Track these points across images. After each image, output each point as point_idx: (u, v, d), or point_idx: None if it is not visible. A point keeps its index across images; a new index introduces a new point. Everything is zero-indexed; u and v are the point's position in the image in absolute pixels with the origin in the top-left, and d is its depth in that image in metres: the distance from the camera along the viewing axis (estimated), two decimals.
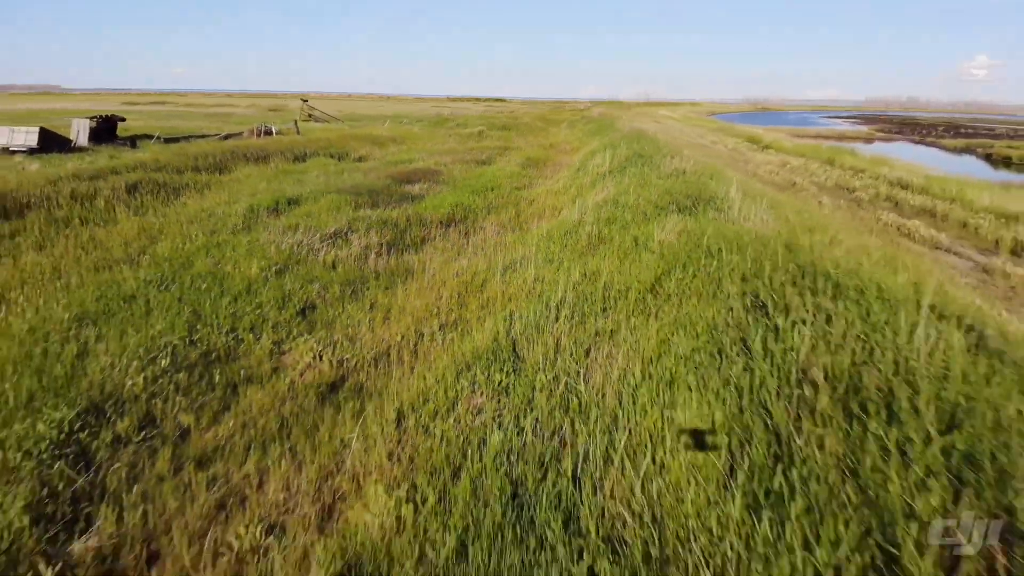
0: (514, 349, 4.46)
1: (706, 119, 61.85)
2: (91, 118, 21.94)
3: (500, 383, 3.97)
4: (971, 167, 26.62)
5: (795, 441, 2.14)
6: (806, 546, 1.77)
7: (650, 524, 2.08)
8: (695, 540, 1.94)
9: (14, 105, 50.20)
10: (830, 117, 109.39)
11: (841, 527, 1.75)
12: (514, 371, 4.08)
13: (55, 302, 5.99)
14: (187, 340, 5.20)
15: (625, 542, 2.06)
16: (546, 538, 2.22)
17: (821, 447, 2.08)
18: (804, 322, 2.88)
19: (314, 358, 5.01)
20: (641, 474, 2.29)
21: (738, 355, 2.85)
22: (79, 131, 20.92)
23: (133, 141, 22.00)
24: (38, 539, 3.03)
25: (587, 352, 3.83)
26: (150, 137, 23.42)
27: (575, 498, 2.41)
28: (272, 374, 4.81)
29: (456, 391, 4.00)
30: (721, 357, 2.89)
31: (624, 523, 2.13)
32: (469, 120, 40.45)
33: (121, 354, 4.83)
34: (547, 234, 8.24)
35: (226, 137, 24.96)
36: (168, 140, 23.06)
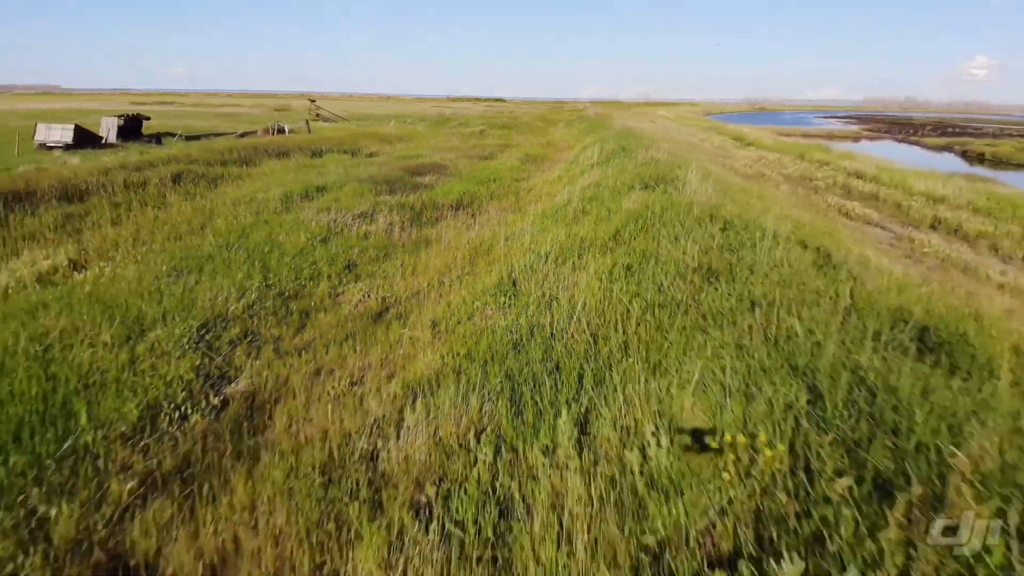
0: (514, 284, 6.06)
1: (701, 119, 63.52)
2: (118, 116, 23.48)
3: (504, 303, 5.58)
4: (945, 163, 28.21)
5: (671, 291, 3.75)
6: (667, 332, 3.39)
7: (590, 337, 3.68)
8: (612, 338, 3.53)
9: (14, 105, 50.77)
10: (826, 117, 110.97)
11: (686, 322, 3.35)
12: (514, 295, 5.69)
13: (150, 260, 7.59)
14: (264, 284, 6.79)
15: (575, 348, 3.66)
16: (532, 356, 3.81)
17: (686, 295, 3.69)
18: (695, 241, 4.49)
19: (363, 296, 6.61)
20: (588, 318, 3.89)
21: (655, 263, 4.47)
22: (109, 129, 22.47)
23: (158, 138, 23.58)
24: (201, 385, 4.63)
25: (565, 278, 5.44)
26: (172, 135, 24.99)
27: (551, 341, 4.01)
28: (333, 306, 6.42)
29: (473, 308, 5.61)
30: (644, 265, 4.50)
31: (577, 342, 3.73)
32: (470, 120, 42.02)
33: (218, 291, 6.42)
34: (542, 213, 9.86)
35: (242, 135, 26.52)
36: (189, 138, 24.66)
